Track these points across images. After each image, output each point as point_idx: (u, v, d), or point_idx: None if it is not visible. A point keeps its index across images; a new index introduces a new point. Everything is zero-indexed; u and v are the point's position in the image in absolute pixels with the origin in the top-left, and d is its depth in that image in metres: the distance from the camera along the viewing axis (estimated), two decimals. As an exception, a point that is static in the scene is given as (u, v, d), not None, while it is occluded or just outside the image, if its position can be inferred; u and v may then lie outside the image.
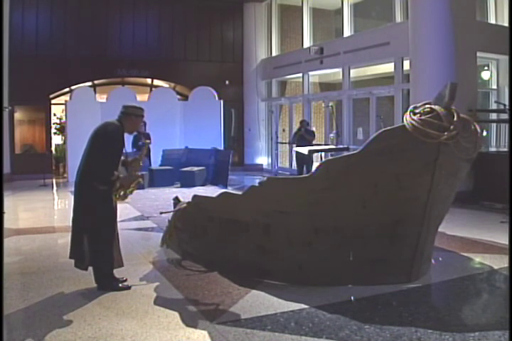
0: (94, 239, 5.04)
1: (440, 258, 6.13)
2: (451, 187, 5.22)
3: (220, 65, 19.39)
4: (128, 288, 5.12)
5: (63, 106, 16.73)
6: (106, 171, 4.92)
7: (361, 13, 16.32)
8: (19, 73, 16.10)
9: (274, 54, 19.42)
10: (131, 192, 5.27)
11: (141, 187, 5.57)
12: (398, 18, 13.44)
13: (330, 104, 15.66)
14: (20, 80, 16.09)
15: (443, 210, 5.38)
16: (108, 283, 5.10)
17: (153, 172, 14.37)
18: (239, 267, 5.59)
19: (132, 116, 5.17)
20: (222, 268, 5.68)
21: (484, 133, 11.43)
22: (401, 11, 13.37)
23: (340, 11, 16.02)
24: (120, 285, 5.16)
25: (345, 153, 5.24)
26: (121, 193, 5.15)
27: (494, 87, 13.56)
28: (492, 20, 13.63)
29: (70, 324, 4.20)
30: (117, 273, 5.25)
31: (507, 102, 11.41)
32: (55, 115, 18.60)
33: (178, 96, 18.32)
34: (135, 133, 10.52)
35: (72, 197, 12.52)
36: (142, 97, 18.06)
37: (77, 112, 15.27)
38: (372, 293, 4.87)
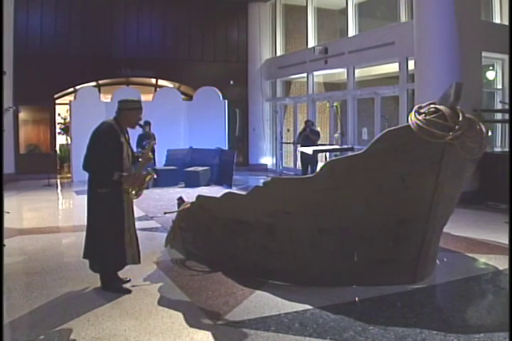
0: (98, 239, 5.02)
1: (445, 259, 6.11)
2: (456, 188, 5.20)
3: (225, 65, 19.38)
4: (128, 291, 5.06)
5: (68, 106, 16.76)
6: (103, 174, 4.89)
7: (366, 12, 16.28)
8: (24, 73, 16.12)
9: (278, 54, 19.41)
10: (141, 190, 5.17)
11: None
12: (403, 18, 13.40)
13: (334, 104, 15.63)
14: (24, 80, 16.11)
15: (448, 210, 5.35)
16: (111, 283, 5.09)
17: (158, 172, 14.35)
18: (243, 267, 5.58)
19: (125, 110, 5.08)
20: (226, 269, 5.67)
21: (489, 134, 11.39)
22: (406, 10, 13.33)
23: (344, 11, 15.99)
24: (123, 285, 5.14)
25: (350, 153, 5.22)
26: (132, 192, 5.10)
27: (499, 86, 13.51)
28: (497, 20, 13.58)
29: (73, 324, 4.19)
30: (121, 273, 5.23)
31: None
32: (59, 115, 18.65)
33: (183, 96, 18.34)
34: (140, 133, 10.54)
35: (76, 197, 12.57)
36: (147, 97, 18.06)
37: (81, 112, 15.30)
38: (376, 294, 4.86)
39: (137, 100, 5.22)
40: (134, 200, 5.24)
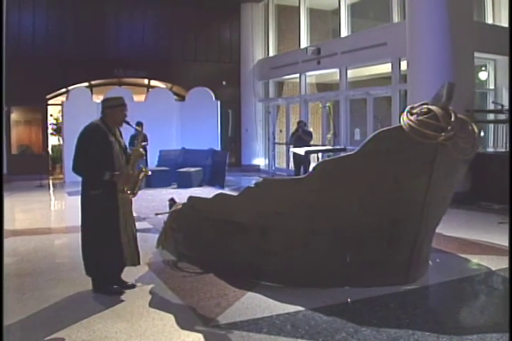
0: (94, 241, 4.97)
1: (438, 260, 6.10)
2: (449, 188, 5.20)
3: (217, 65, 19.35)
4: (120, 293, 5.01)
5: (60, 107, 16.68)
6: (93, 174, 4.86)
7: (358, 13, 16.30)
8: (16, 74, 15.99)
9: (271, 54, 19.40)
10: (137, 188, 5.12)
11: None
12: (395, 19, 13.42)
13: (327, 105, 15.63)
14: (16, 81, 15.98)
15: (440, 211, 5.35)
16: (102, 285, 5.03)
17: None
18: (235, 268, 5.55)
19: (108, 109, 5.06)
20: (218, 270, 5.64)
21: (481, 134, 11.41)
22: (398, 11, 13.35)
23: (337, 11, 15.99)
24: (115, 287, 5.10)
25: (342, 154, 5.21)
26: (128, 191, 5.03)
27: (492, 87, 13.56)
28: (489, 21, 13.63)
29: (64, 326, 4.15)
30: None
31: (504, 103, 11.39)
32: (51, 115, 18.57)
33: (175, 97, 18.30)
34: (132, 133, 10.47)
35: (68, 198, 12.50)
36: (139, 98, 18.01)
37: (73, 113, 15.21)
38: (369, 295, 4.84)
39: (119, 97, 5.17)
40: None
